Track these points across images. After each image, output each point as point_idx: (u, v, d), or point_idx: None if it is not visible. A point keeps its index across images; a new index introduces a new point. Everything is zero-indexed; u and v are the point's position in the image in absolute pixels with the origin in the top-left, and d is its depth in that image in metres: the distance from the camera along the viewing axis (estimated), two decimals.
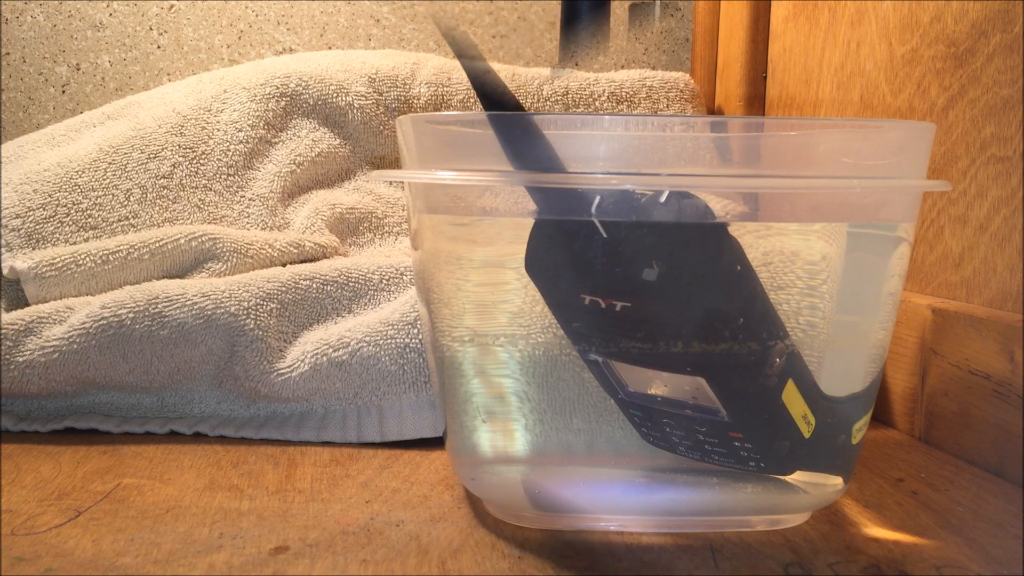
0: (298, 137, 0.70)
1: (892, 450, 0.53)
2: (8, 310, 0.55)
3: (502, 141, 0.36)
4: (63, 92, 0.84)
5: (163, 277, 0.58)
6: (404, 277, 0.58)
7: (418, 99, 0.73)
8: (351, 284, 0.57)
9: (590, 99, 0.77)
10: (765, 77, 0.76)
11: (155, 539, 0.39)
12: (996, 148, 0.50)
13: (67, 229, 0.60)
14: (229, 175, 0.67)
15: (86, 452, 0.50)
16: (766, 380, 0.37)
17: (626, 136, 0.38)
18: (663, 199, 0.34)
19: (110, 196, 0.62)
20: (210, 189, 0.66)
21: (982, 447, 0.49)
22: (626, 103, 0.78)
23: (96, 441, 0.52)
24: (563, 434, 0.40)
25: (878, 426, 0.57)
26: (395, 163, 0.74)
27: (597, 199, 0.35)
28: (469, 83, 0.74)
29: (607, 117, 0.36)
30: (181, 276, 0.59)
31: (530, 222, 0.37)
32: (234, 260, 0.59)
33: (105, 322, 0.52)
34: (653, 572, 0.37)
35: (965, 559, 0.38)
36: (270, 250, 0.61)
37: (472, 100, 0.74)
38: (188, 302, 0.53)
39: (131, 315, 0.52)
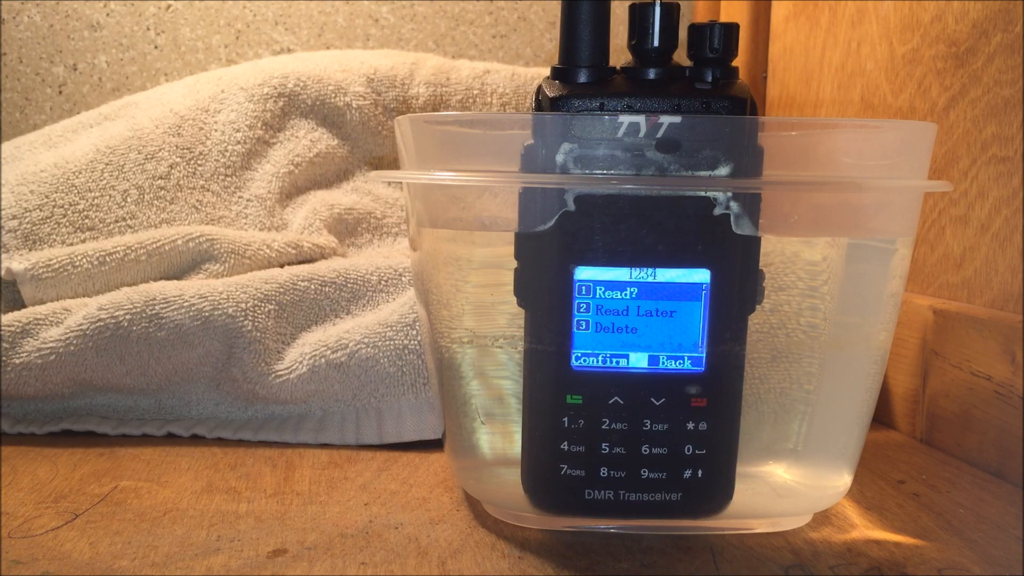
0: (296, 137, 0.70)
1: (893, 452, 0.52)
2: (5, 312, 0.55)
3: None
4: (60, 92, 0.84)
5: (160, 278, 0.58)
6: (403, 278, 0.57)
7: (416, 99, 0.73)
8: (349, 285, 0.57)
9: None
10: (765, 77, 0.76)
11: (152, 542, 0.39)
12: (997, 148, 0.49)
13: (64, 230, 0.60)
14: (227, 176, 0.67)
15: (83, 454, 0.50)
16: None
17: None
18: None
19: (107, 197, 0.62)
20: (208, 190, 0.65)
21: (983, 449, 0.49)
22: None
23: (93, 443, 0.52)
24: None
25: (879, 428, 0.57)
26: (394, 163, 0.74)
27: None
28: (467, 83, 0.74)
29: (606, 118, 0.36)
30: (179, 277, 0.58)
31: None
32: (232, 261, 0.59)
33: (102, 324, 0.52)
34: (653, 573, 0.36)
35: (967, 561, 0.38)
36: (268, 251, 0.61)
37: (471, 100, 0.74)
38: (185, 304, 0.53)
39: (128, 317, 0.52)
